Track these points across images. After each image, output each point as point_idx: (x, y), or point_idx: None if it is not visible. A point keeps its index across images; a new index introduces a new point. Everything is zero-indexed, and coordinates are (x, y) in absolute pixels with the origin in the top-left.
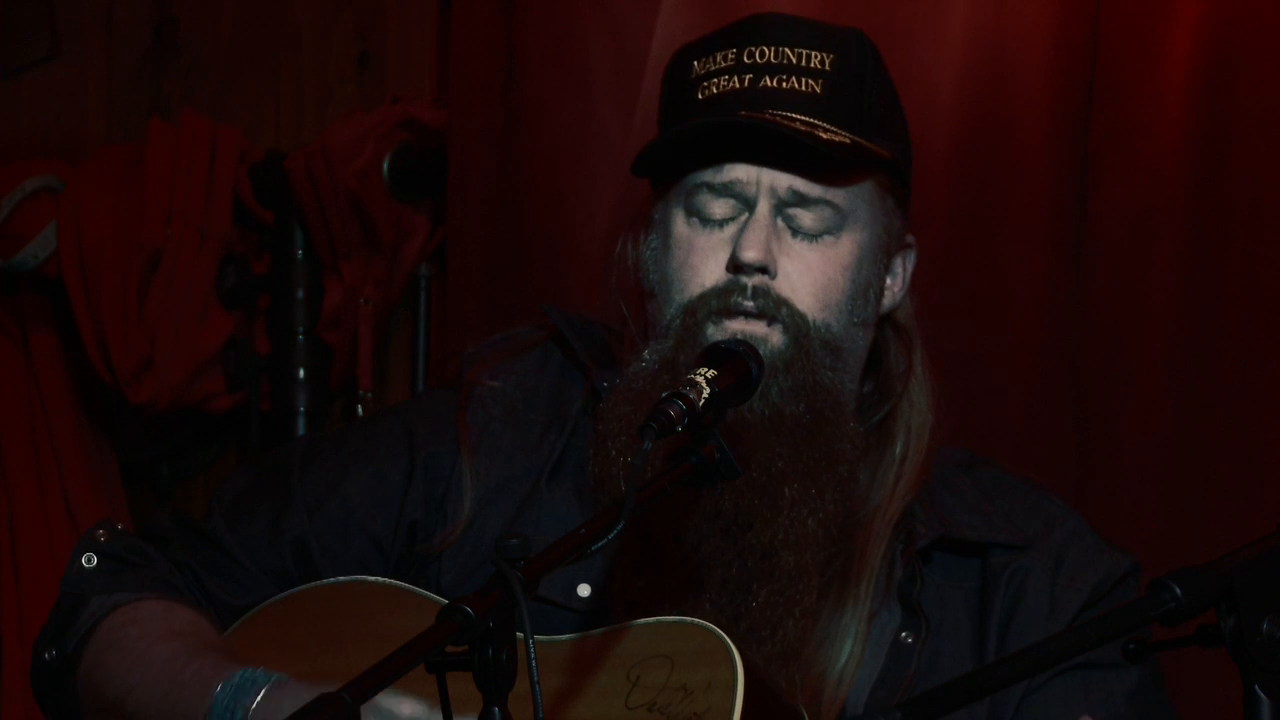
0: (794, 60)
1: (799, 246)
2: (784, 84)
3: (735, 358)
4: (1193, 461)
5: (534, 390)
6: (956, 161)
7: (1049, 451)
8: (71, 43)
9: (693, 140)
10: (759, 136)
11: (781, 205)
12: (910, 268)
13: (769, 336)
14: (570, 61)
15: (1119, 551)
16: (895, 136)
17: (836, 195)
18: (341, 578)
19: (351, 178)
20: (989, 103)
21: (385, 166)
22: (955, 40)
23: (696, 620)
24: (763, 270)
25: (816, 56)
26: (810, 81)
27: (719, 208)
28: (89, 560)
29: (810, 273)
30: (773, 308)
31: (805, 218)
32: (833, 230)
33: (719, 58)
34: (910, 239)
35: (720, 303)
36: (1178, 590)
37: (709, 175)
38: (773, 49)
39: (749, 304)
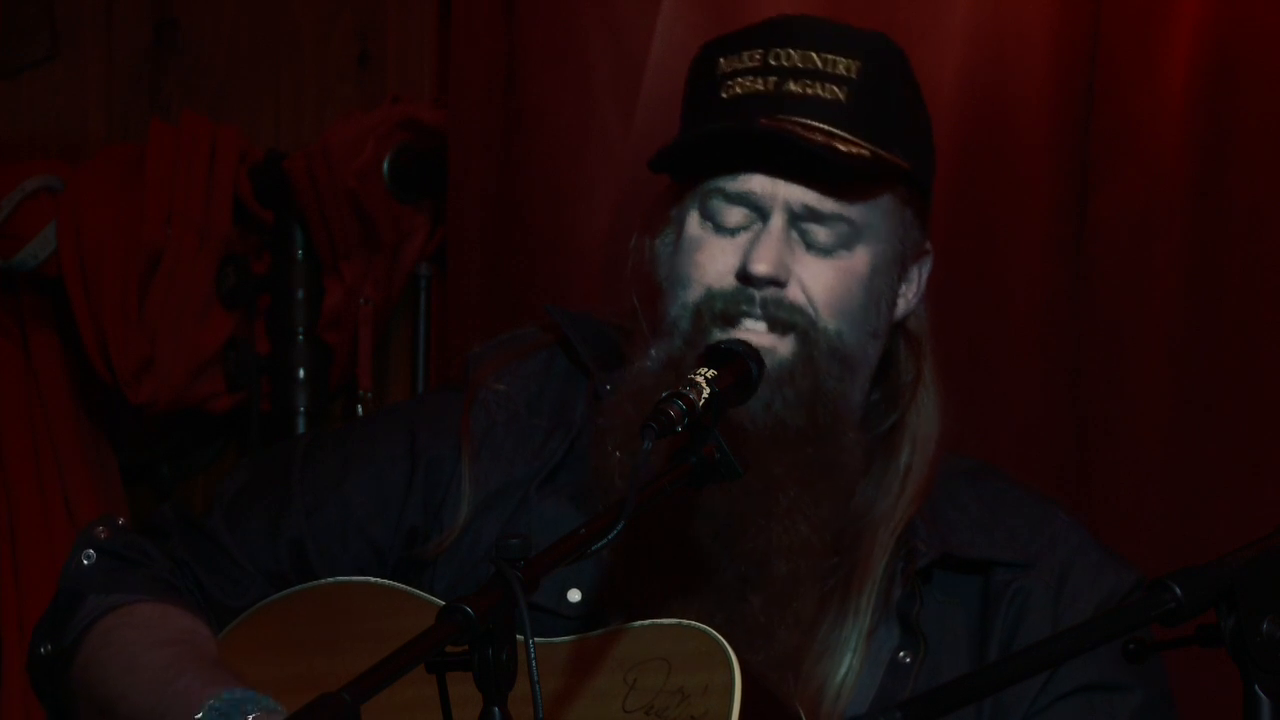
0: (819, 65)
1: (812, 260)
2: (808, 89)
3: (735, 358)
4: (1193, 461)
5: (538, 394)
6: (956, 161)
7: (1049, 451)
8: (71, 43)
9: (712, 144)
10: (778, 147)
11: (796, 219)
12: (926, 275)
13: (776, 347)
14: (570, 61)
15: (1124, 568)
16: (918, 146)
17: (852, 210)
18: (338, 578)
19: (351, 178)
20: (989, 103)
21: (385, 166)
22: (955, 40)
23: (693, 623)
24: (773, 283)
25: (843, 63)
26: (834, 88)
27: (733, 215)
28: (88, 557)
29: (823, 282)
30: (785, 315)
31: (819, 233)
32: (847, 245)
33: (745, 57)
34: (928, 245)
35: (727, 308)
36: (1178, 590)
37: (725, 182)
38: (799, 52)
39: (757, 312)
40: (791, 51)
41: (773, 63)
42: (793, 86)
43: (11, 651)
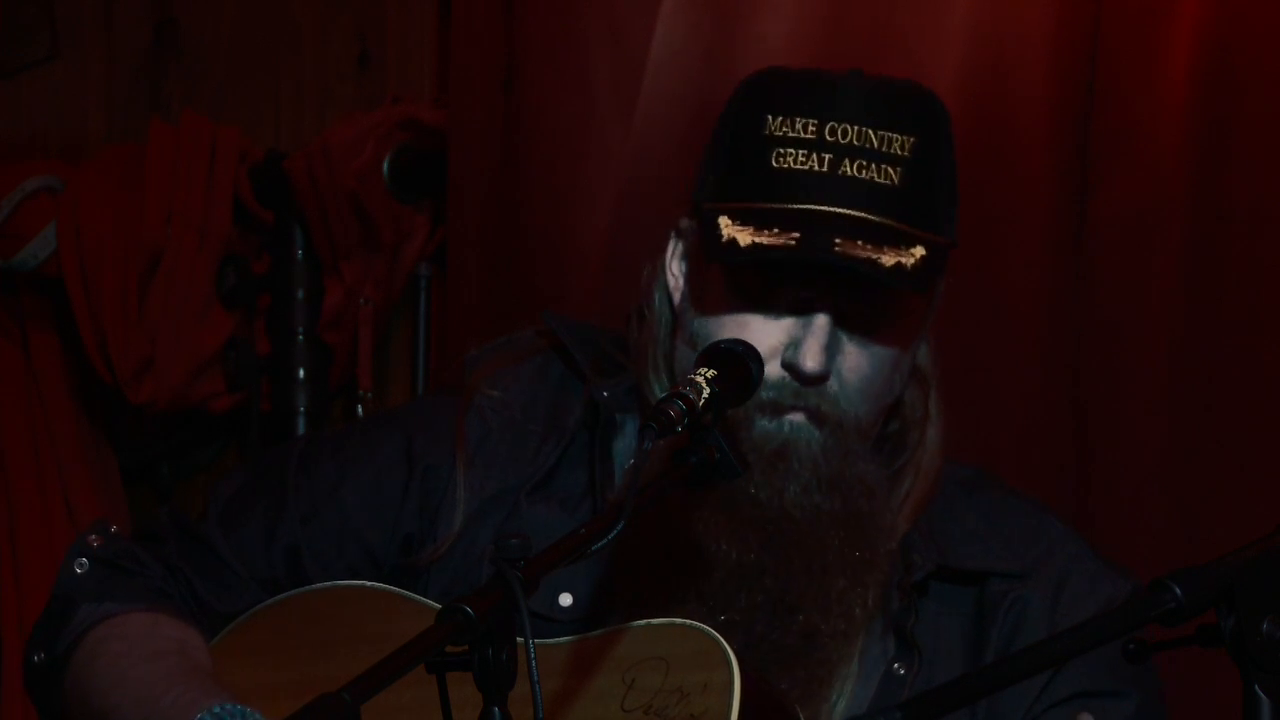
0: (876, 145)
1: (853, 347)
2: (863, 172)
3: (735, 358)
4: (1193, 462)
5: (533, 400)
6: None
7: (1049, 452)
8: (71, 43)
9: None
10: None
11: (842, 314)
12: (935, 314)
13: (815, 432)
14: (570, 61)
15: (1121, 577)
16: (955, 208)
17: (894, 301)
18: (332, 583)
19: (351, 178)
20: (989, 103)
21: (385, 166)
22: (955, 40)
23: (691, 622)
24: (820, 380)
25: (898, 141)
26: (889, 169)
27: (780, 301)
28: (81, 565)
29: (860, 372)
30: (826, 408)
31: (862, 320)
32: (885, 327)
33: (798, 125)
34: (941, 288)
35: (775, 397)
36: (1178, 590)
37: (774, 270)
38: (855, 129)
39: (803, 404)
40: (848, 127)
41: (829, 139)
42: (847, 169)
43: (11, 651)
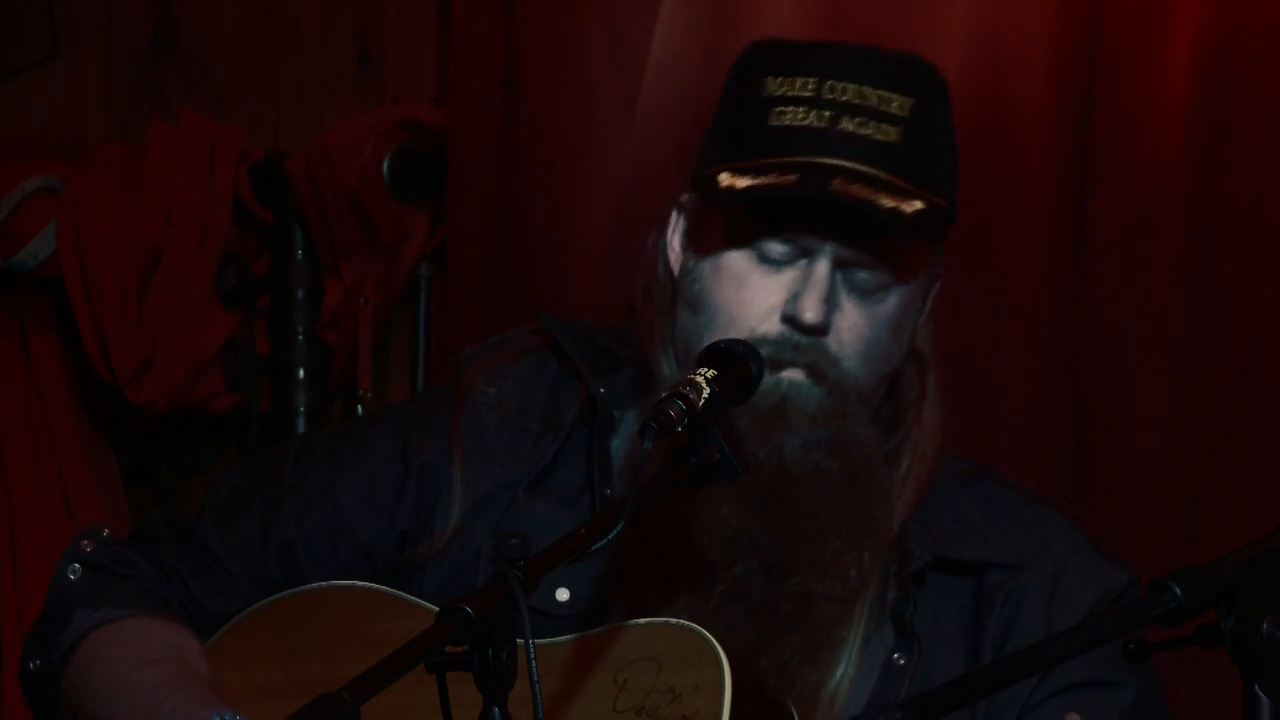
0: (874, 104)
1: (851, 305)
2: (862, 129)
3: (735, 358)
4: (1192, 462)
5: (529, 397)
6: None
7: (1049, 451)
8: (71, 43)
9: (775, 198)
10: (842, 207)
11: (841, 264)
12: (935, 294)
13: (814, 389)
14: (570, 61)
15: (1117, 567)
16: (953, 179)
17: (895, 258)
18: (326, 583)
19: (351, 178)
20: (989, 103)
21: (385, 166)
22: (955, 40)
23: (683, 622)
24: (819, 331)
25: (896, 100)
26: (889, 128)
27: (778, 251)
28: (74, 571)
29: (858, 332)
30: (823, 365)
31: (862, 277)
32: (885, 287)
33: (797, 84)
34: (941, 269)
35: (773, 353)
36: (1178, 590)
37: (774, 221)
38: (854, 87)
39: (801, 359)
40: (846, 85)
41: (827, 96)
42: (847, 125)
43: (11, 651)
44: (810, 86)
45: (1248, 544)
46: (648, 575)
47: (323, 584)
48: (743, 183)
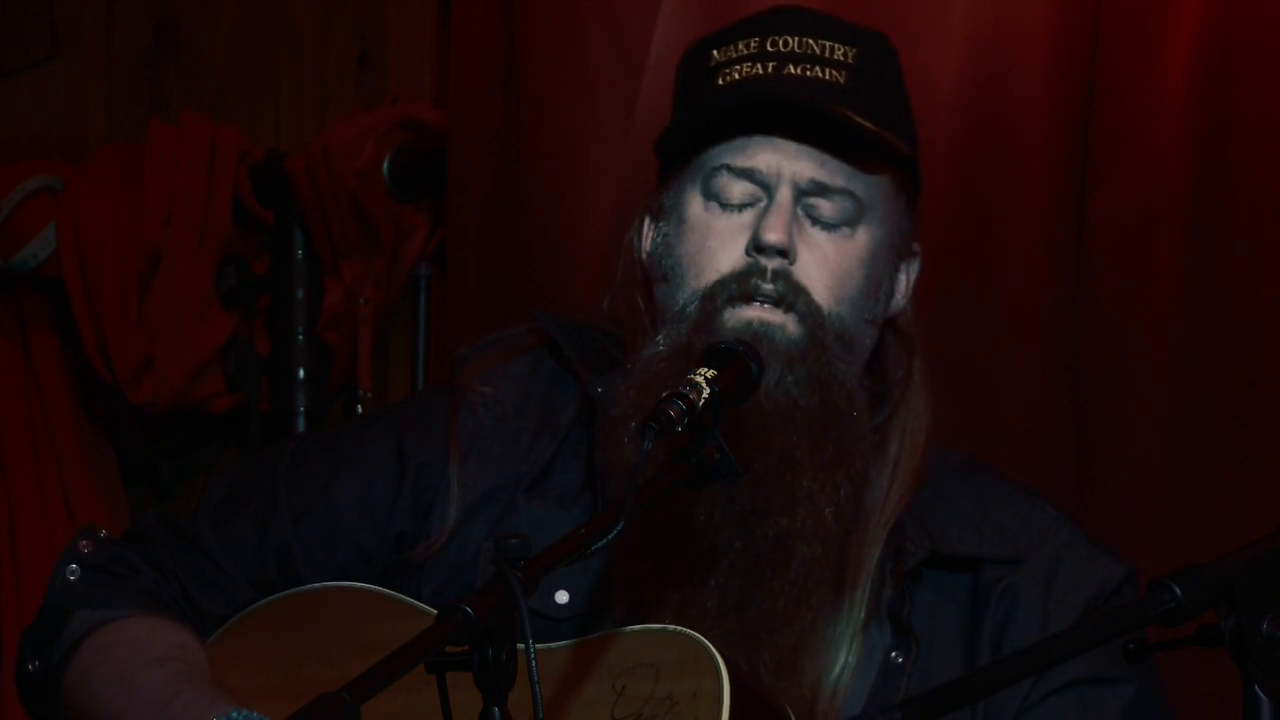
0: (818, 51)
1: (817, 236)
2: (808, 72)
3: (735, 358)
4: (1192, 462)
5: (525, 397)
6: (956, 161)
7: (1049, 451)
8: (71, 43)
9: (717, 121)
10: (783, 118)
11: (802, 194)
12: (914, 276)
13: (785, 324)
14: (570, 61)
15: (1114, 560)
16: (911, 136)
17: (857, 186)
18: (323, 584)
19: (351, 178)
20: (989, 103)
21: (385, 166)
22: (955, 40)
23: (681, 629)
24: (783, 254)
25: (840, 49)
26: (834, 72)
27: (738, 191)
28: (72, 572)
29: (826, 263)
30: (791, 294)
31: (825, 207)
32: (850, 222)
33: (740, 46)
34: (916, 247)
35: (739, 287)
36: (1178, 590)
37: (730, 157)
38: (796, 39)
39: (768, 288)
40: (789, 38)
41: (770, 49)
42: (792, 70)
43: (12, 652)
44: (754, 45)
45: (1248, 544)
46: (638, 549)
47: (321, 585)
48: (695, 112)
